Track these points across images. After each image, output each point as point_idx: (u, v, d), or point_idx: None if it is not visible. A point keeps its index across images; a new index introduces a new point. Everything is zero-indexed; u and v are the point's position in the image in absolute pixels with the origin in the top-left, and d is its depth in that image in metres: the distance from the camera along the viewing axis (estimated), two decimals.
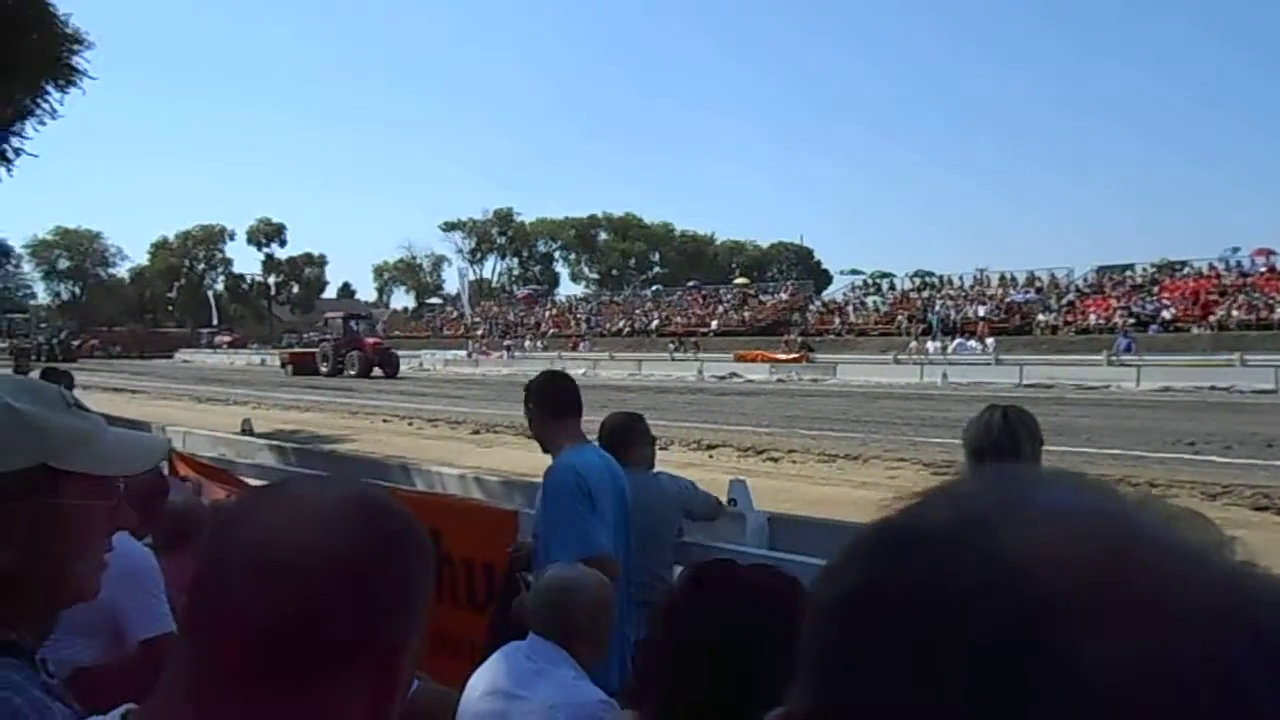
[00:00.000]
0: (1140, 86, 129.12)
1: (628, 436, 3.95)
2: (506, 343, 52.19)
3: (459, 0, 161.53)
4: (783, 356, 37.84)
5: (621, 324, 57.33)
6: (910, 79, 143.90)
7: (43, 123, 17.80)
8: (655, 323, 55.76)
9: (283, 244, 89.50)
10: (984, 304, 43.69)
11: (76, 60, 17.45)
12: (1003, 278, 46.84)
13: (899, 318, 45.35)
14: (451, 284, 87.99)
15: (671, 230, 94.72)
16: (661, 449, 5.51)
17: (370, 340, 41.10)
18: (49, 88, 17.34)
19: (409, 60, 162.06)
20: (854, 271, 55.65)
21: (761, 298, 57.29)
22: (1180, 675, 0.33)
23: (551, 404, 3.49)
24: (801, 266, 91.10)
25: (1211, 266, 40.61)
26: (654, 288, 69.99)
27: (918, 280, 50.43)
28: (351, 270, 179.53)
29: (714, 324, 52.67)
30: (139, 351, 65.97)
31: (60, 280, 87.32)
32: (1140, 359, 29.31)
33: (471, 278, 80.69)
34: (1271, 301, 35.60)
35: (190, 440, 8.98)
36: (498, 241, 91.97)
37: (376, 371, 38.28)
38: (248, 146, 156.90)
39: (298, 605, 0.77)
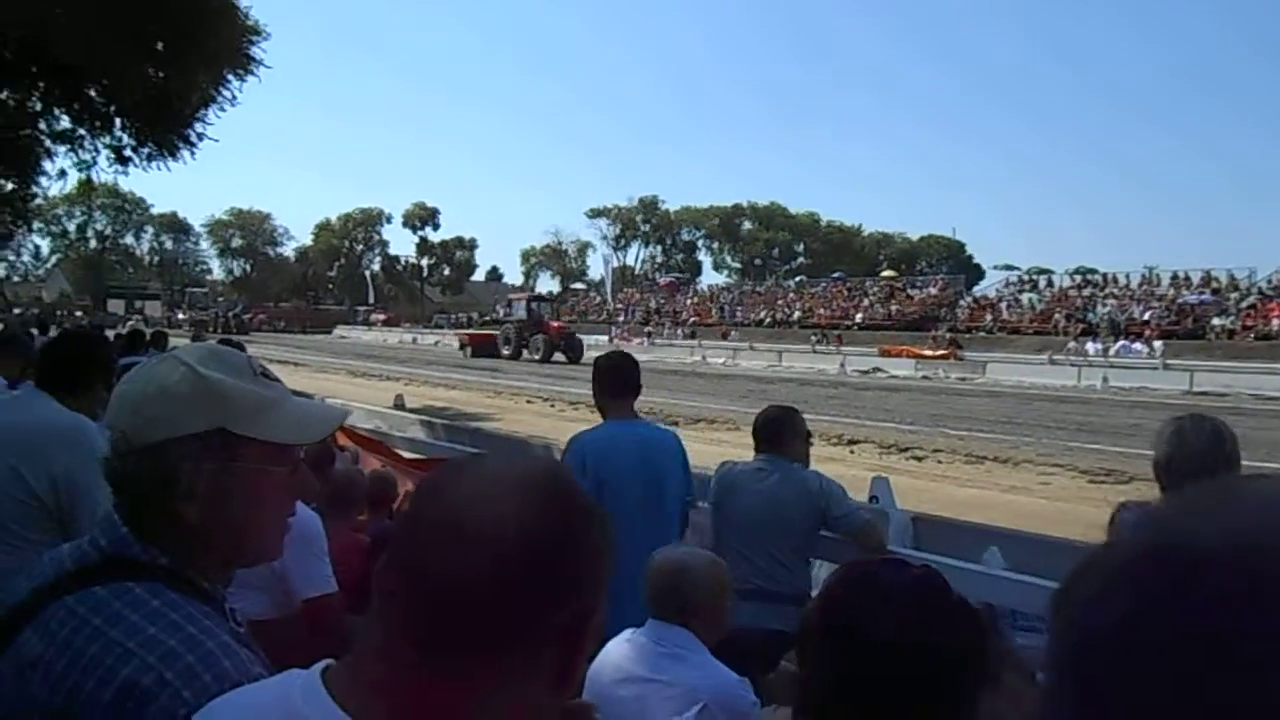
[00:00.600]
0: None
1: (777, 430, 3.95)
2: (647, 329, 52.54)
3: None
4: (929, 353, 36.67)
5: (763, 314, 56.77)
6: (1077, 75, 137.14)
7: (223, 109, 18.97)
8: (797, 314, 54.95)
9: (436, 228, 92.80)
10: (1152, 305, 41.03)
11: (254, 51, 18.57)
12: (1174, 277, 43.72)
13: (1056, 316, 43.11)
14: (595, 270, 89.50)
15: (817, 220, 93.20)
16: None
17: (554, 324, 39.87)
18: (229, 76, 18.49)
19: (560, 52, 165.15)
20: (1009, 267, 53.40)
21: (909, 291, 55.54)
22: None
23: (606, 382, 3.89)
24: (952, 261, 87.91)
25: None
26: (797, 278, 69.04)
27: (1078, 278, 47.82)
28: (500, 254, 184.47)
29: (858, 317, 51.51)
30: (301, 327, 69.51)
31: (233, 258, 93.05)
32: None
33: (615, 264, 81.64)
34: None
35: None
36: (642, 229, 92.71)
37: (558, 356, 36.56)
38: (406, 132, 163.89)
39: (487, 571, 0.79)
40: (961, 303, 50.78)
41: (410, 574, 0.82)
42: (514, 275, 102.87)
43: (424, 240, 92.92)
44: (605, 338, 50.70)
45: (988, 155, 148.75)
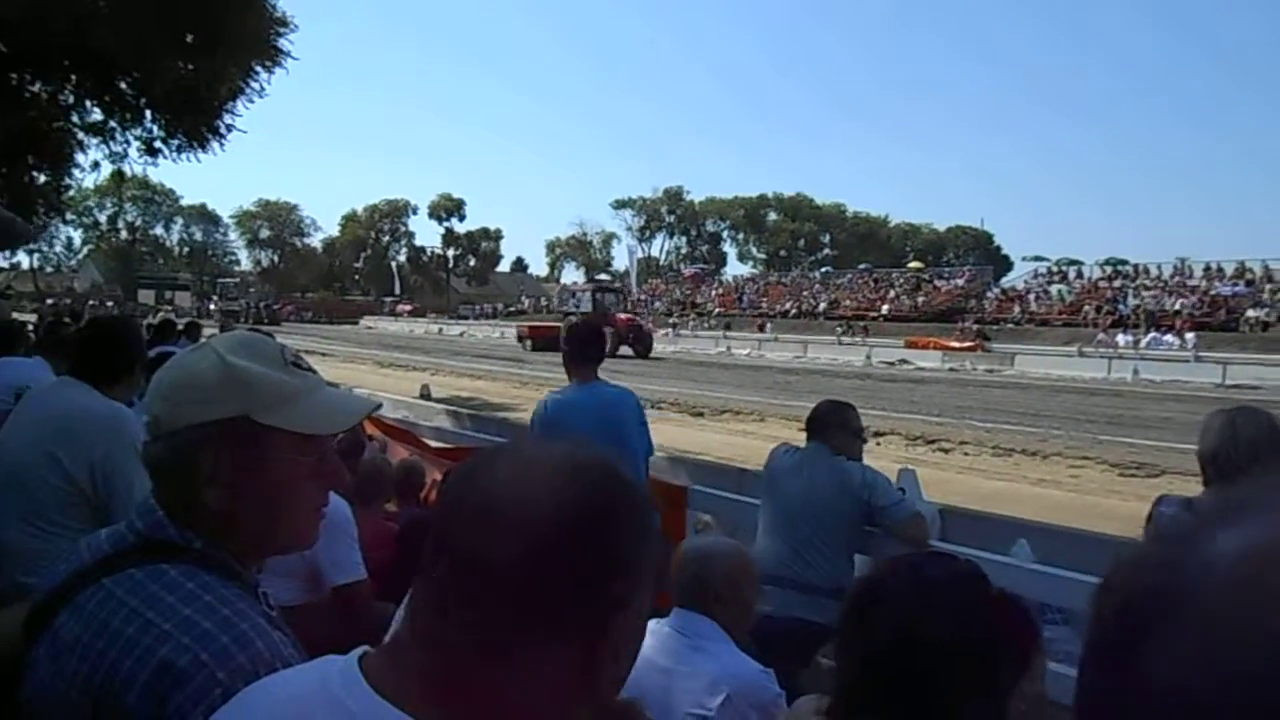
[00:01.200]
0: None
1: (824, 423, 4.01)
2: (672, 320, 52.45)
3: None
4: (956, 344, 36.28)
5: (788, 305, 56.51)
6: (1106, 65, 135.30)
7: (251, 101, 19.10)
8: (823, 305, 54.59)
9: (461, 219, 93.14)
10: (1184, 296, 40.37)
11: (282, 42, 18.69)
12: (1207, 268, 42.94)
13: (1085, 308, 42.55)
14: (620, 261, 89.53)
15: (843, 211, 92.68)
16: None
17: (622, 316, 36.87)
18: (258, 68, 18.63)
19: (591, 34, 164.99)
20: (1037, 258, 52.64)
21: (936, 283, 54.94)
22: None
23: (573, 350, 4.26)
24: (980, 252, 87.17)
25: None
26: (823, 269, 68.65)
27: (1109, 269, 47.15)
28: (525, 245, 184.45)
29: (884, 308, 51.02)
30: (328, 317, 70.13)
31: (261, 248, 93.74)
32: None
33: (640, 255, 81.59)
34: None
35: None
36: (667, 220, 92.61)
37: (624, 350, 32.13)
38: (433, 122, 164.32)
39: (525, 553, 0.80)
40: (989, 294, 50.15)
41: (446, 558, 0.83)
42: (539, 266, 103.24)
43: (449, 231, 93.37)
44: None
45: (1017, 146, 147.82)
